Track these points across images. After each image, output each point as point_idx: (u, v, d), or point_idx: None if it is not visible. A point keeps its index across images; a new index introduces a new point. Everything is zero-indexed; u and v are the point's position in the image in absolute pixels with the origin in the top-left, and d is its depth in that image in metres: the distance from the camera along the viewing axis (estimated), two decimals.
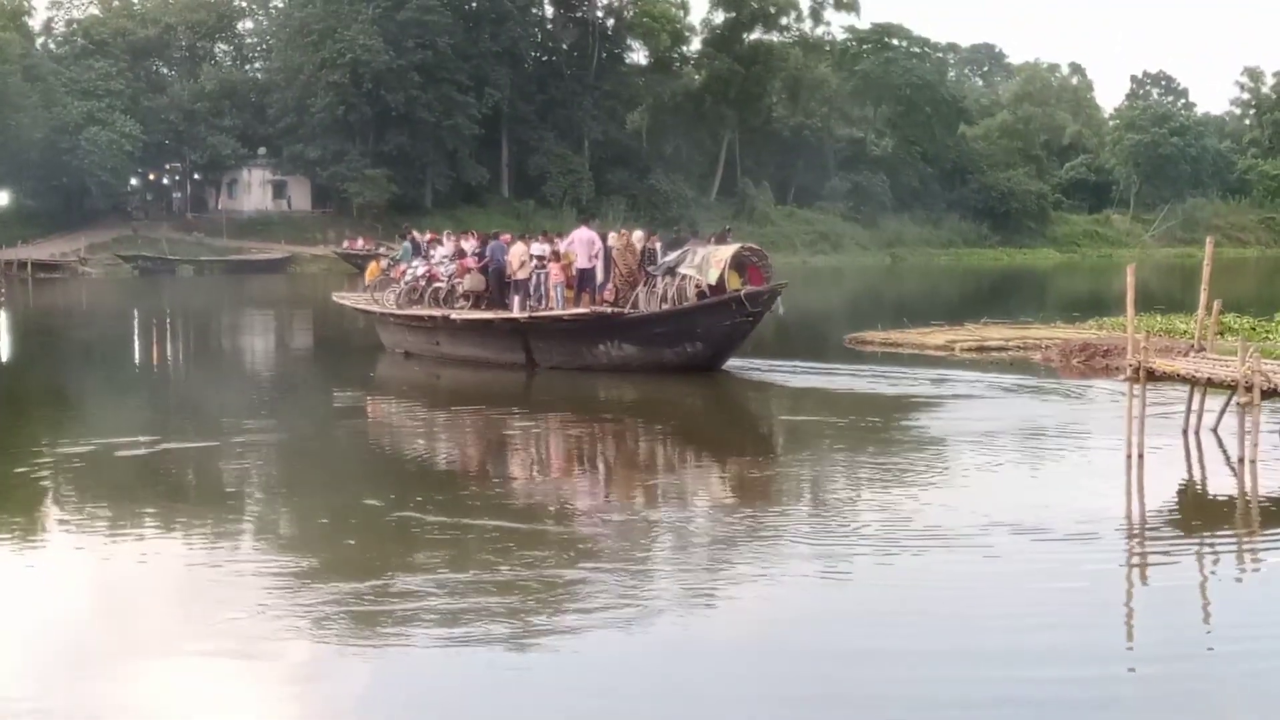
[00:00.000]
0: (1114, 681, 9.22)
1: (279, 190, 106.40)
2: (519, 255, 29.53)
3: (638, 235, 28.95)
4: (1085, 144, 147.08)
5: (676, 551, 12.86)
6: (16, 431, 21.38)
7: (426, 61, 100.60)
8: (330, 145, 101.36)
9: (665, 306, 27.02)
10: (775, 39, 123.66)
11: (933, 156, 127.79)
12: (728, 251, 26.93)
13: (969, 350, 30.56)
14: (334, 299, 39.23)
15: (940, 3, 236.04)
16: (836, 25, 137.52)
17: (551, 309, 28.23)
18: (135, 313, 54.22)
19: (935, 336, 32.56)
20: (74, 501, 15.78)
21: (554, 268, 28.39)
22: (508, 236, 31.87)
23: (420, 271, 32.66)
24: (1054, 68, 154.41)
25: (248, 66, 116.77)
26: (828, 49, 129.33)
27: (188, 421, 22.25)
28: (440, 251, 33.23)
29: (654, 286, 27.31)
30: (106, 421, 21.51)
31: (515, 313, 29.00)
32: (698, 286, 26.58)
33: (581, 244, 28.52)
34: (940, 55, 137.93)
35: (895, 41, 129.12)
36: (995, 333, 33.06)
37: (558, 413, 23.41)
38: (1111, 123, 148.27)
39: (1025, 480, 16.34)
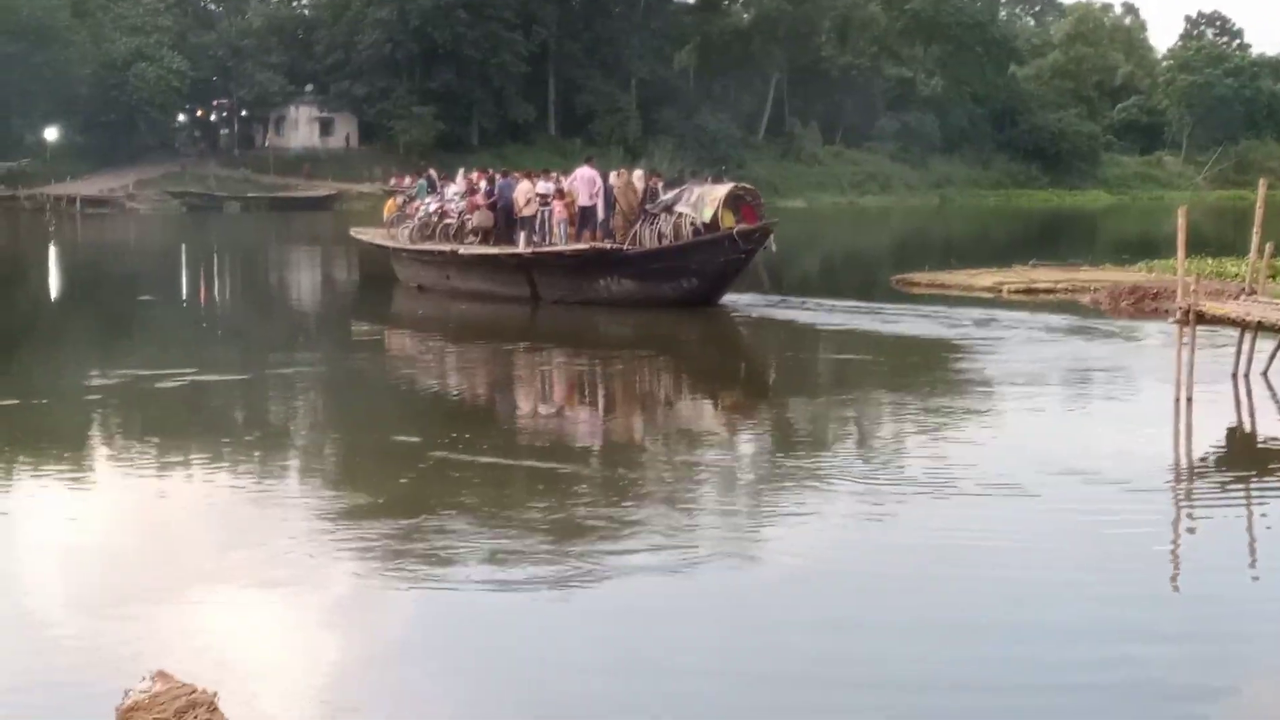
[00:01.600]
0: (1158, 624, 9.13)
1: (326, 127, 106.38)
2: (524, 193, 30.24)
3: (637, 174, 29.74)
4: (1137, 85, 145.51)
5: (720, 493, 12.75)
6: (56, 364, 21.47)
7: None
8: (377, 82, 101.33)
9: (663, 243, 27.74)
10: None
11: (983, 97, 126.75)
12: (722, 190, 27.75)
13: (1017, 292, 30.34)
14: (351, 234, 40.05)
15: None
16: None
17: (554, 245, 29.09)
18: (180, 249, 54.60)
19: (983, 278, 32.32)
20: (106, 435, 15.85)
21: (557, 205, 29.28)
22: (517, 175, 32.44)
23: (433, 208, 33.65)
24: (1107, 8, 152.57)
25: (295, 3, 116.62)
26: None
27: (222, 354, 22.55)
28: (452, 189, 34.29)
29: (653, 224, 27.99)
30: (142, 354, 21.96)
31: (520, 248, 29.81)
32: (693, 224, 27.25)
33: (583, 182, 29.24)
34: None
35: None
36: (1044, 275, 32.80)
37: (582, 348, 23.72)
38: (1164, 64, 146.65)
39: (1073, 424, 16.17)
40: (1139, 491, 12.35)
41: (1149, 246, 42.22)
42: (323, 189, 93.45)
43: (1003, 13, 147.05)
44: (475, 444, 14.68)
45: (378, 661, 8.51)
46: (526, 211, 29.96)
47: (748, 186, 29.35)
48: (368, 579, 9.91)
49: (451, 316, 29.06)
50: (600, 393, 19.92)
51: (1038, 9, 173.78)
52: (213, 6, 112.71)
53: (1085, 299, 28.84)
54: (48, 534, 11.33)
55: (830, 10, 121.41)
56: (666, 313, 27.06)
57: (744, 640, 8.87)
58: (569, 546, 10.63)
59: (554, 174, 32.18)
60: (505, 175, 32.59)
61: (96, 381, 19.13)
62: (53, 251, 53.92)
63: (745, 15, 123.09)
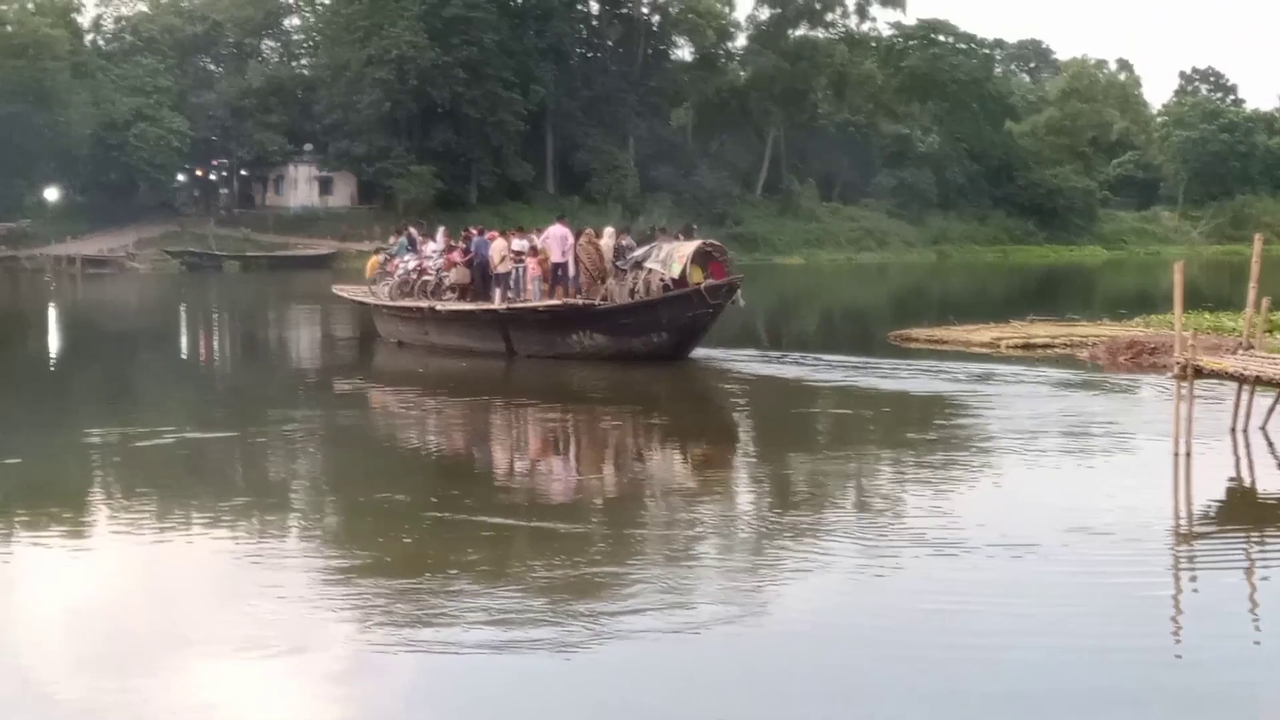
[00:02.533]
0: (1159, 680, 9.11)
1: (325, 186, 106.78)
2: (499, 250, 31.18)
3: (608, 232, 30.35)
4: (1133, 140, 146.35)
5: (720, 551, 12.65)
6: (53, 421, 21.51)
7: (472, 58, 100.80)
8: (376, 141, 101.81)
9: (634, 299, 28.29)
10: (821, 35, 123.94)
11: (979, 153, 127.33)
12: (690, 247, 28.34)
13: (1015, 347, 30.35)
14: (334, 290, 40.87)
15: None
16: (882, 21, 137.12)
17: (528, 300, 29.76)
18: (178, 308, 54.90)
19: (981, 333, 32.35)
20: (100, 494, 15.85)
21: (531, 262, 30.02)
22: (493, 233, 33.16)
23: (412, 265, 34.50)
24: (1101, 64, 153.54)
25: (294, 63, 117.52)
26: (874, 45, 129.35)
27: (212, 412, 23.08)
28: (430, 247, 35.21)
29: (623, 280, 28.60)
30: (135, 412, 22.45)
31: (495, 304, 30.60)
32: (662, 280, 27.90)
33: (555, 239, 30.00)
34: (987, 51, 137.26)
35: (942, 38, 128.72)
36: (1042, 330, 32.84)
37: (568, 402, 24.27)
38: (1160, 119, 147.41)
39: (1071, 478, 16.14)
40: (1139, 547, 12.31)
41: (1146, 301, 42.36)
42: (322, 248, 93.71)
43: (998, 69, 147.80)
44: (469, 502, 14.68)
45: None
46: (501, 268, 30.87)
47: (715, 243, 29.95)
48: (367, 641, 9.85)
49: (431, 371, 29.45)
50: (595, 449, 19.88)
51: (1033, 65, 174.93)
52: (212, 67, 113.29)
53: (1083, 354, 28.85)
54: (44, 593, 11.33)
55: (826, 68, 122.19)
56: (658, 368, 27.27)
57: (749, 704, 8.79)
58: (569, 606, 10.56)
59: (528, 232, 33.01)
60: (480, 232, 33.29)
61: (94, 439, 19.25)
62: (52, 311, 54.03)
63: (742, 73, 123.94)
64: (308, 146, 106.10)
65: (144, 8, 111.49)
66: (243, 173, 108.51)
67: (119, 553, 12.86)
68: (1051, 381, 24.87)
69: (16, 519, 14.01)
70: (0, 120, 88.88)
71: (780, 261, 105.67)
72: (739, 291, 28.50)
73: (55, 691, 9.00)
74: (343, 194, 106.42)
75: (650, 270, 28.16)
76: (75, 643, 10.09)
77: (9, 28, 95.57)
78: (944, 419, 20.61)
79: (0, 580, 11.82)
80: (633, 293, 28.31)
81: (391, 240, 39.04)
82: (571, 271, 29.51)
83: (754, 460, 18.89)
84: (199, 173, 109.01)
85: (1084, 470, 16.76)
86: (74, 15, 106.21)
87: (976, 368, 26.88)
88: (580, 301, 28.82)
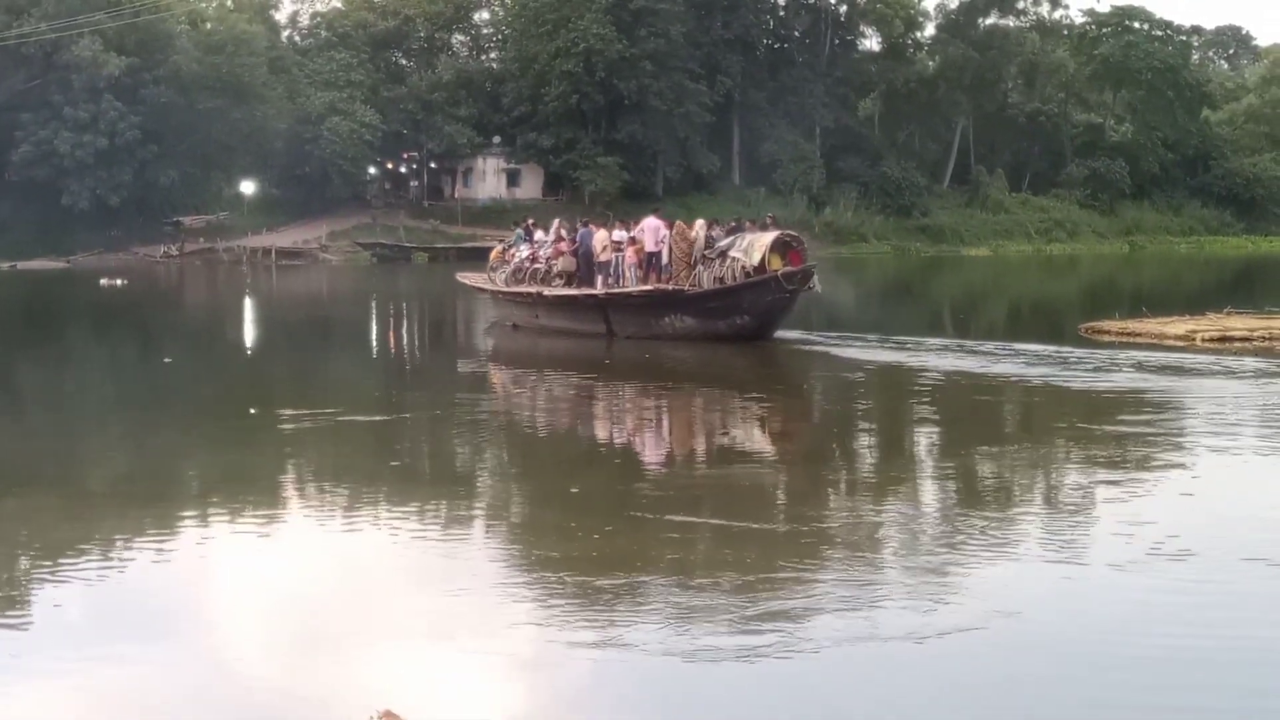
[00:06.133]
0: None
1: (512, 178, 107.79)
2: (602, 241, 33.96)
3: (699, 224, 32.56)
4: None
5: (906, 553, 12.19)
6: (227, 401, 22.28)
7: (659, 50, 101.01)
8: (563, 133, 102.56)
9: (718, 285, 30.67)
10: (1011, 23, 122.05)
11: (1174, 142, 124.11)
12: (769, 237, 30.65)
13: (1211, 340, 29.60)
14: (457, 278, 43.98)
15: None
16: (1075, 8, 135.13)
17: (625, 286, 32.37)
18: (367, 298, 56.21)
19: (1175, 326, 31.58)
20: (291, 477, 16.21)
21: (629, 251, 32.78)
22: (595, 224, 36.13)
23: (525, 254, 37.23)
24: None
25: (483, 57, 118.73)
26: (1066, 33, 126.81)
27: (389, 394, 24.58)
28: (539, 235, 38.06)
29: (710, 267, 30.94)
30: (316, 395, 23.40)
31: (596, 289, 33.24)
32: (744, 267, 30.18)
33: (649, 231, 32.42)
34: (1184, 38, 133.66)
35: (1136, 24, 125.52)
36: (1239, 322, 31.97)
37: (715, 386, 25.68)
38: None
39: (1271, 481, 15.67)
40: None
41: None
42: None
43: (1195, 56, 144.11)
44: (646, 494, 14.71)
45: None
46: (603, 257, 33.57)
47: (793, 233, 32.82)
48: (546, 637, 9.82)
49: (540, 352, 32.32)
50: (765, 437, 19.82)
51: (1232, 52, 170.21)
52: (404, 61, 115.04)
53: None
54: (234, 578, 11.65)
55: (1016, 56, 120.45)
56: (809, 356, 27.68)
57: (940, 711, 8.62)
58: (753, 609, 10.33)
59: (625, 223, 35.70)
60: (585, 224, 36.22)
61: (287, 425, 19.70)
62: (248, 301, 55.48)
63: (930, 63, 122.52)
64: (496, 139, 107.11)
65: (338, 3, 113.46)
66: (432, 165, 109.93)
67: (307, 539, 13.12)
68: (1253, 375, 24.23)
69: (211, 503, 14.37)
70: (200, 115, 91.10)
71: (968, 253, 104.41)
72: (815, 278, 30.83)
73: (246, 676, 9.21)
74: (530, 186, 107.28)
75: (734, 259, 30.38)
76: (266, 627, 10.33)
77: (209, 25, 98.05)
78: (1135, 416, 20.09)
79: (190, 565, 12.13)
80: (718, 279, 30.65)
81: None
82: (665, 259, 31.71)
83: (939, 456, 18.37)
84: (389, 165, 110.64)
85: None
86: (271, 11, 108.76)
87: (1172, 360, 26.25)
88: (671, 287, 31.12)
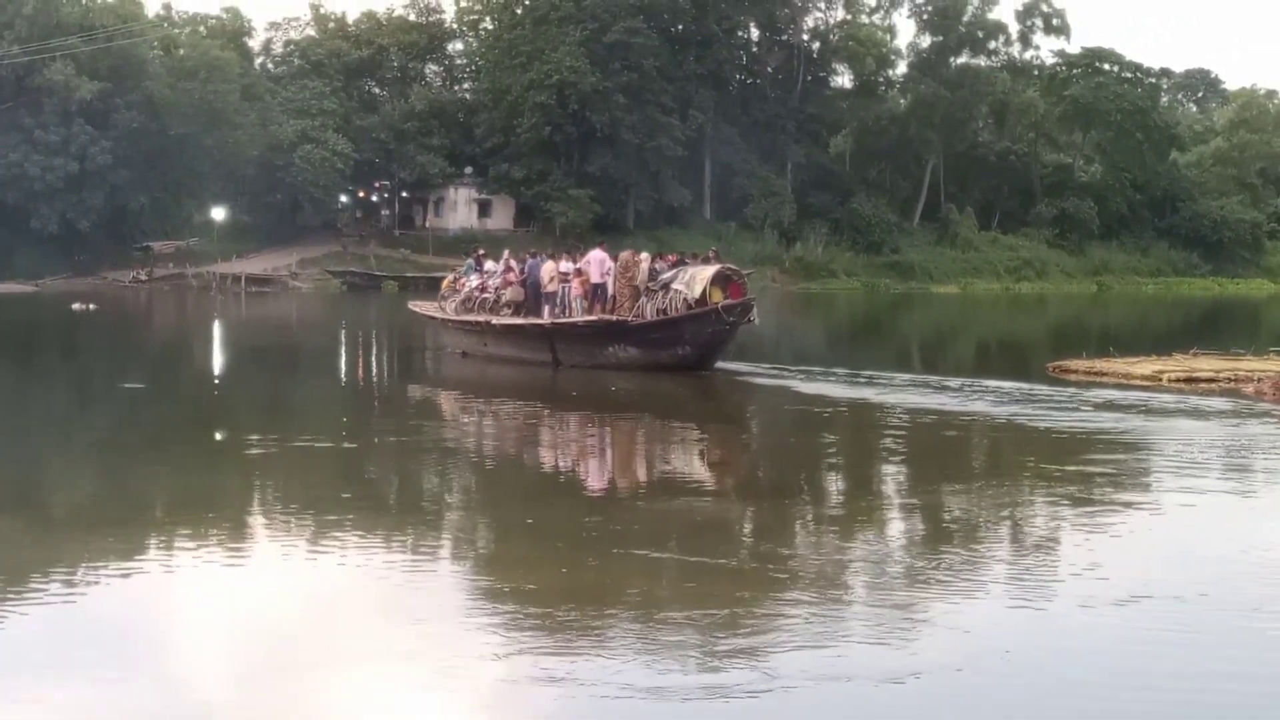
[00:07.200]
0: None
1: (484, 209, 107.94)
2: (549, 271, 34.91)
3: (644, 256, 33.48)
4: None
5: (871, 589, 12.11)
6: (193, 426, 22.09)
7: (632, 83, 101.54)
8: (535, 165, 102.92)
9: (660, 316, 31.41)
10: (982, 63, 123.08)
11: (1142, 183, 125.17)
12: (710, 270, 31.51)
13: (1177, 381, 29.71)
14: (409, 306, 44.63)
15: (1154, 27, 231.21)
16: (1046, 49, 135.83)
17: (571, 317, 33.23)
18: (334, 325, 56.11)
19: (1142, 366, 31.71)
20: (256, 503, 16.11)
21: (575, 282, 33.61)
22: (543, 256, 37.07)
23: (474, 284, 38.15)
24: (1272, 94, 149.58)
25: (457, 87, 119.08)
26: (1036, 73, 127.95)
27: (335, 422, 23.89)
28: (489, 265, 39.16)
29: (653, 299, 31.66)
30: (280, 421, 22.98)
31: (543, 319, 34.08)
32: (685, 300, 30.94)
33: (595, 263, 33.35)
34: (1153, 80, 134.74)
35: (1106, 66, 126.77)
36: (1206, 364, 32.11)
37: (673, 419, 25.45)
38: None
39: (1236, 519, 15.70)
40: None
41: None
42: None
43: (1164, 99, 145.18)
44: (610, 526, 14.66)
45: None
46: (550, 288, 34.50)
47: (733, 267, 34.11)
48: (518, 668, 9.73)
49: (487, 379, 32.95)
50: (726, 472, 19.80)
51: (1200, 95, 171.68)
52: (377, 90, 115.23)
53: (1249, 389, 28.17)
54: (198, 599, 11.55)
55: (987, 96, 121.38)
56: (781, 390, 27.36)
57: None
58: (723, 646, 10.20)
59: (572, 254, 36.60)
60: (534, 255, 37.30)
61: (253, 450, 19.60)
62: (217, 328, 55.35)
63: (901, 100, 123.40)
64: (468, 169, 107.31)
65: (312, 32, 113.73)
66: (404, 194, 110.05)
67: (272, 566, 13.03)
68: (1217, 416, 24.30)
69: (177, 529, 14.24)
70: (171, 141, 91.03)
71: (937, 290, 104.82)
72: (754, 310, 31.71)
73: (206, 704, 9.10)
74: (501, 217, 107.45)
75: (676, 291, 31.17)
76: (229, 653, 10.25)
77: (181, 51, 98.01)
78: (1098, 455, 20.09)
79: (152, 591, 12.02)
80: (661, 311, 31.39)
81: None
82: (610, 291, 32.52)
83: (905, 493, 18.30)
84: (361, 194, 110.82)
85: (1249, 511, 16.26)
86: (245, 39, 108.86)
87: (1138, 400, 26.34)
88: (615, 318, 31.99)
